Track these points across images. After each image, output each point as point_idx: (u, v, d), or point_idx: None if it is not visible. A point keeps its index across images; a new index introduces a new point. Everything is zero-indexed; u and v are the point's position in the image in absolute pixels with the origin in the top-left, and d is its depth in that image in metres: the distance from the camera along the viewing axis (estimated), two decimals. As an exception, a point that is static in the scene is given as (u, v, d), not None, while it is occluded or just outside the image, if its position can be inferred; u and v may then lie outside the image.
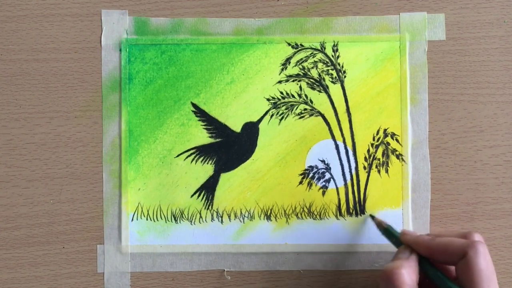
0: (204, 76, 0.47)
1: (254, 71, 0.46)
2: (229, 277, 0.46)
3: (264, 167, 0.46)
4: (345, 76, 0.46)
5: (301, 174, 0.46)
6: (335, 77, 0.46)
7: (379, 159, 0.46)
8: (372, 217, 0.45)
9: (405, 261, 0.38)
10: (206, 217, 0.46)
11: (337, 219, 0.46)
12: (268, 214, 0.46)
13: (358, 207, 0.46)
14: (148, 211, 0.46)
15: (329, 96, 0.46)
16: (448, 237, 0.38)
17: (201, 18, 0.47)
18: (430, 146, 0.46)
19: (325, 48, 0.46)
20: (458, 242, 0.37)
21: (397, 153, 0.46)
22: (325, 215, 0.46)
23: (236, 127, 0.46)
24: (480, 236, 0.38)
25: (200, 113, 0.46)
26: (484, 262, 0.35)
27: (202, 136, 0.46)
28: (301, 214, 0.46)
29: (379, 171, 0.46)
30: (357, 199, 0.46)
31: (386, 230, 0.43)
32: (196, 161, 0.46)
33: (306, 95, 0.46)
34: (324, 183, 0.46)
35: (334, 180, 0.46)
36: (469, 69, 0.46)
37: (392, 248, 0.45)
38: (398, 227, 0.46)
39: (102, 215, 0.46)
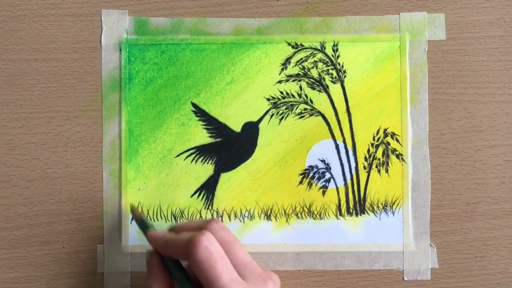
0: (204, 76, 0.47)
1: (254, 71, 0.46)
2: None
3: (264, 167, 0.46)
4: (345, 76, 0.46)
5: (301, 174, 0.46)
6: (335, 77, 0.46)
7: (379, 159, 0.46)
8: (132, 208, 0.45)
9: (150, 275, 0.37)
10: (206, 217, 0.46)
11: (337, 219, 0.46)
12: (268, 214, 0.46)
13: (358, 207, 0.46)
14: (148, 211, 0.46)
15: (329, 96, 0.46)
16: (184, 231, 0.37)
17: (201, 18, 0.47)
18: (430, 146, 0.46)
19: (325, 48, 0.46)
20: (180, 239, 0.35)
21: (397, 153, 0.46)
22: (325, 215, 0.46)
23: (236, 127, 0.46)
24: (215, 224, 0.36)
25: (200, 113, 0.46)
26: (204, 253, 0.34)
27: (202, 136, 0.46)
28: (301, 214, 0.46)
29: (379, 171, 0.46)
30: (357, 199, 0.46)
31: (142, 223, 0.42)
32: (196, 161, 0.46)
33: (306, 95, 0.46)
34: (324, 183, 0.46)
35: (334, 180, 0.46)
36: (469, 69, 0.46)
37: (393, 248, 0.46)
38: (398, 227, 0.46)
39: (102, 215, 0.46)
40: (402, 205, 0.46)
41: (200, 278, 0.34)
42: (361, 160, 0.46)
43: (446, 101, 0.46)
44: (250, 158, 0.46)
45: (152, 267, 0.38)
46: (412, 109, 0.46)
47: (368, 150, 0.46)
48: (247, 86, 0.46)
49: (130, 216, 0.46)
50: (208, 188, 0.46)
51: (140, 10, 0.47)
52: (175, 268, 0.38)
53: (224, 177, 0.46)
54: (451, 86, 0.46)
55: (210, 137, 0.46)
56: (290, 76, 0.46)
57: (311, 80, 0.46)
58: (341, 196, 0.46)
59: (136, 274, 0.46)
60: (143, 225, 0.42)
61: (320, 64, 0.47)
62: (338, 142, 0.46)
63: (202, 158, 0.46)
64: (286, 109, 0.46)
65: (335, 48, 0.46)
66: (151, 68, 0.47)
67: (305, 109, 0.46)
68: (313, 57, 0.47)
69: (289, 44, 0.47)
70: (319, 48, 0.47)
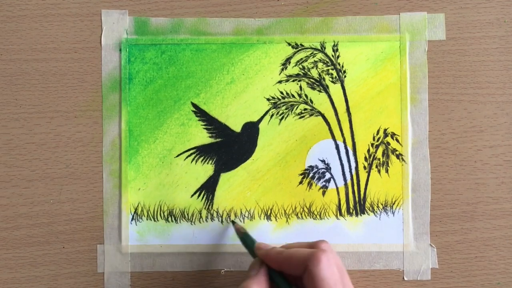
0: (204, 76, 0.47)
1: (254, 71, 0.46)
2: (223, 271, 0.46)
3: (264, 167, 0.46)
4: (345, 76, 0.46)
5: (301, 174, 0.46)
6: (335, 77, 0.46)
7: (379, 159, 0.46)
8: (233, 222, 0.45)
9: (254, 279, 0.37)
10: (206, 217, 0.46)
11: (337, 219, 0.46)
12: (268, 214, 0.46)
13: (358, 207, 0.46)
14: (148, 211, 0.46)
15: (329, 96, 0.46)
16: (296, 248, 0.37)
17: (201, 18, 0.47)
18: (430, 146, 0.46)
19: (325, 48, 0.46)
20: (300, 253, 0.36)
21: (397, 153, 0.46)
22: (325, 215, 0.46)
23: (236, 127, 0.46)
24: (327, 244, 0.37)
25: (200, 113, 0.46)
26: (327, 271, 0.34)
27: (202, 136, 0.46)
28: (301, 214, 0.46)
29: (379, 171, 0.46)
30: (357, 199, 0.46)
31: (242, 239, 0.42)
32: (196, 161, 0.46)
33: (306, 95, 0.46)
34: (324, 183, 0.46)
35: (334, 180, 0.46)
36: (469, 69, 0.46)
37: (393, 248, 0.46)
38: (398, 227, 0.46)
39: (102, 215, 0.46)
40: (402, 205, 0.46)
41: None
42: (361, 160, 0.46)
43: (446, 101, 0.46)
44: (250, 158, 0.46)
45: (258, 274, 0.38)
46: (412, 109, 0.46)
47: (368, 150, 0.46)
48: (247, 86, 0.46)
49: (130, 216, 0.46)
50: (208, 188, 0.46)
51: (140, 10, 0.47)
52: (281, 280, 0.38)
53: (224, 177, 0.46)
54: (451, 86, 0.46)
55: (210, 137, 0.46)
56: (290, 76, 0.46)
57: (311, 80, 0.46)
58: (341, 196, 0.46)
59: (136, 274, 0.46)
60: (246, 239, 0.42)
61: (320, 64, 0.47)
62: (338, 142, 0.46)
63: (202, 158, 0.46)
64: (286, 109, 0.46)
65: (335, 48, 0.46)
66: (151, 68, 0.47)
67: (305, 109, 0.46)
68: (313, 57, 0.47)
69: (289, 44, 0.47)
70: (319, 48, 0.47)
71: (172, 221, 0.46)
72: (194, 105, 0.46)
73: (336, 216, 0.46)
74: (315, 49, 0.47)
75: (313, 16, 0.47)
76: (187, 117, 0.46)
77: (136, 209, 0.46)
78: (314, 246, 0.37)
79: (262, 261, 0.39)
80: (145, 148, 0.46)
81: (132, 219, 0.46)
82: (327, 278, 0.34)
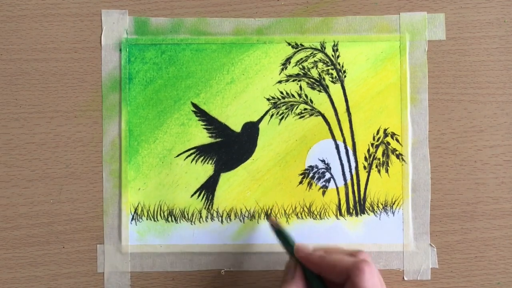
0: (204, 76, 0.47)
1: (254, 71, 0.46)
2: (223, 271, 0.46)
3: (264, 167, 0.46)
4: (345, 76, 0.46)
5: (301, 174, 0.46)
6: (335, 77, 0.46)
7: (379, 159, 0.46)
8: (268, 216, 0.45)
9: (292, 284, 0.38)
10: (206, 217, 0.46)
11: (337, 219, 0.46)
12: (268, 214, 0.46)
13: (358, 207, 0.46)
14: (148, 211, 0.46)
15: (329, 96, 0.46)
16: (338, 254, 0.38)
17: (201, 18, 0.47)
18: (430, 146, 0.46)
19: (325, 48, 0.46)
20: (343, 262, 0.36)
21: (397, 153, 0.46)
22: (325, 215, 0.46)
23: (236, 127, 0.46)
24: (368, 255, 0.38)
25: (200, 113, 0.46)
26: (370, 283, 0.35)
27: (202, 136, 0.46)
28: (301, 214, 0.46)
29: (379, 171, 0.46)
30: (357, 199, 0.46)
31: (278, 234, 0.42)
32: (196, 161, 0.46)
33: (306, 95, 0.46)
34: (324, 183, 0.46)
35: (334, 180, 0.46)
36: (469, 69, 0.46)
37: (393, 248, 0.46)
38: (399, 227, 0.46)
39: (102, 215, 0.46)
40: (402, 205, 0.46)
41: None
42: (361, 160, 0.46)
43: (446, 101, 0.46)
44: (250, 158, 0.46)
45: (296, 278, 0.38)
46: (412, 109, 0.46)
47: (368, 150, 0.46)
48: (247, 86, 0.46)
49: (130, 216, 0.46)
50: (208, 188, 0.46)
51: (140, 10, 0.47)
52: (320, 285, 0.38)
53: (224, 177, 0.46)
54: (451, 86, 0.46)
55: (210, 137, 0.46)
56: (290, 76, 0.46)
57: (311, 80, 0.46)
58: (341, 196, 0.46)
59: (136, 274, 0.46)
60: (281, 235, 0.42)
61: (320, 64, 0.47)
62: (338, 142, 0.46)
63: (202, 158, 0.46)
64: (286, 109, 0.46)
65: (335, 48, 0.46)
66: (151, 68, 0.47)
67: (305, 109, 0.46)
68: (313, 57, 0.47)
69: (289, 44, 0.47)
70: (319, 48, 0.47)
71: (172, 221, 0.46)
72: (194, 105, 0.46)
73: (336, 216, 0.46)
74: (315, 49, 0.47)
75: (313, 16, 0.47)
76: (187, 117, 0.46)
77: (136, 209, 0.46)
78: (354, 255, 0.38)
79: (298, 262, 0.39)
80: (145, 148, 0.46)
81: (132, 219, 0.46)
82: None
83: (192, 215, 0.46)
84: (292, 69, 0.46)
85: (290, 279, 0.38)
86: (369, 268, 0.35)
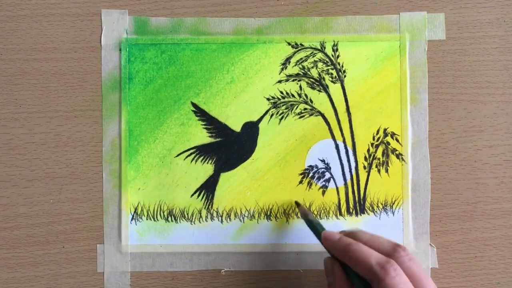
0: (204, 75, 0.47)
1: (254, 70, 0.46)
2: (223, 271, 0.46)
3: (264, 167, 0.46)
4: (345, 76, 0.46)
5: (301, 174, 0.46)
6: (335, 76, 0.46)
7: (379, 159, 0.46)
8: (297, 204, 0.45)
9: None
10: (206, 217, 0.46)
11: (337, 218, 0.46)
12: (268, 214, 0.46)
13: (358, 207, 0.46)
14: (148, 211, 0.46)
15: (329, 96, 0.46)
16: (364, 247, 0.35)
17: (201, 18, 0.47)
18: (430, 146, 0.46)
19: (325, 48, 0.46)
20: (366, 261, 0.34)
21: (397, 152, 0.46)
22: (325, 214, 0.46)
23: (236, 126, 0.46)
24: (403, 253, 0.35)
25: (200, 112, 0.46)
26: (392, 284, 0.33)
27: (202, 136, 0.46)
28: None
29: (379, 171, 0.46)
30: (357, 198, 0.46)
31: (308, 223, 0.42)
32: (196, 161, 0.46)
33: (306, 95, 0.46)
34: (324, 183, 0.46)
35: (334, 180, 0.46)
36: (469, 69, 0.46)
37: (392, 247, 0.45)
38: (399, 227, 0.46)
39: (102, 215, 0.46)
40: (402, 205, 0.46)
41: None
42: (361, 160, 0.46)
43: (446, 101, 0.46)
44: (250, 158, 0.46)
45: (337, 280, 0.37)
46: (412, 109, 0.46)
47: (368, 150, 0.46)
48: (247, 86, 0.46)
49: (130, 216, 0.46)
50: (208, 188, 0.46)
51: (140, 10, 0.47)
52: (359, 283, 0.36)
53: (224, 177, 0.46)
54: (451, 86, 0.46)
55: (210, 137, 0.46)
56: (290, 76, 0.46)
57: (311, 80, 0.46)
58: (341, 196, 0.46)
59: (136, 274, 0.46)
60: (311, 223, 0.41)
61: (320, 64, 0.47)
62: (338, 142, 0.46)
63: (202, 158, 0.46)
64: (286, 109, 0.46)
65: (335, 48, 0.46)
66: (151, 68, 0.47)
67: (305, 109, 0.46)
68: (313, 57, 0.47)
69: (289, 44, 0.47)
70: (319, 48, 0.47)
71: (172, 220, 0.46)
72: (194, 104, 0.46)
73: (336, 216, 0.46)
74: (315, 48, 0.47)
75: (313, 16, 0.47)
76: (187, 117, 0.46)
77: (136, 209, 0.46)
78: (391, 249, 0.35)
79: (334, 261, 0.37)
80: (145, 148, 0.46)
81: (132, 218, 0.46)
82: None
83: (192, 215, 0.46)
84: (292, 69, 0.46)
85: (331, 284, 0.36)
86: (394, 270, 0.33)
